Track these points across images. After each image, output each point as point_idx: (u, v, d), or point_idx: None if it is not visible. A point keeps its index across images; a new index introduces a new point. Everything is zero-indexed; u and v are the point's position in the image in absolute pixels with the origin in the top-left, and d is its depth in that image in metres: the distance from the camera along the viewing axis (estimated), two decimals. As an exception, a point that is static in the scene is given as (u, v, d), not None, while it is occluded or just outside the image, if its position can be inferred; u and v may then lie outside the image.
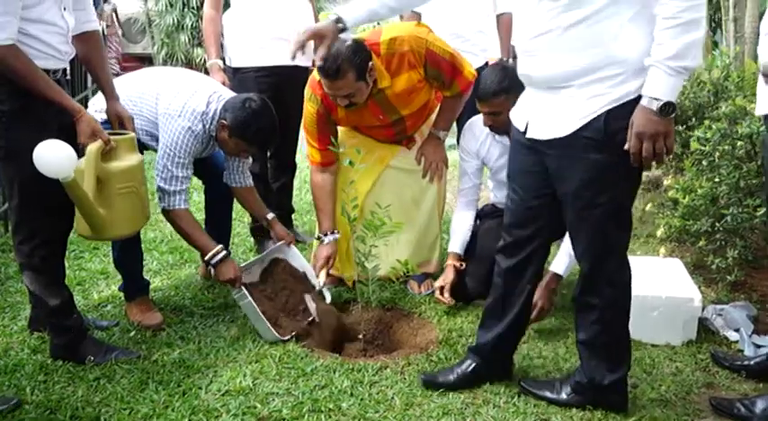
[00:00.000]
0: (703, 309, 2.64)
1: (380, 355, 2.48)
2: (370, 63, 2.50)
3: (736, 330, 2.59)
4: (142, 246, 3.45)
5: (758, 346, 2.50)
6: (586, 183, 1.86)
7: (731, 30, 4.01)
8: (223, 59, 3.27)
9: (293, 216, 3.73)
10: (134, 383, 2.22)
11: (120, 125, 2.35)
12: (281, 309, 2.66)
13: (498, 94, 2.49)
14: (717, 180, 2.72)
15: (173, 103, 2.51)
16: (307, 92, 2.76)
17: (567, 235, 2.53)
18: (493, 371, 2.25)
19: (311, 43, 3.21)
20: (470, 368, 2.23)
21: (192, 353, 2.41)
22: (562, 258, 2.61)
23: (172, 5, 9.27)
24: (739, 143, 2.70)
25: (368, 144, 2.88)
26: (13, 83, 2.01)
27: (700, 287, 2.84)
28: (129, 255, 2.67)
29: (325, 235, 2.79)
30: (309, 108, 2.74)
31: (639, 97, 1.72)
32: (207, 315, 2.73)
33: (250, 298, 2.49)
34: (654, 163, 1.78)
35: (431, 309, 2.81)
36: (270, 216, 2.87)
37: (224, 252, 2.56)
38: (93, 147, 2.09)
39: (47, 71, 2.09)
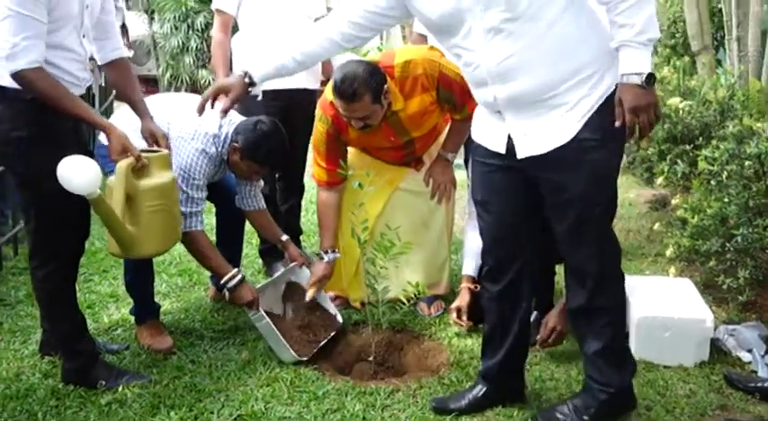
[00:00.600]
0: (715, 330, 2.63)
1: (392, 378, 2.48)
2: (386, 86, 2.53)
3: (749, 351, 2.57)
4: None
5: (772, 367, 2.49)
6: (591, 184, 1.90)
7: (734, 49, 4.03)
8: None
9: (301, 237, 3.73)
10: (146, 408, 2.21)
11: (155, 143, 2.36)
12: (297, 329, 2.66)
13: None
14: (726, 200, 2.72)
15: (185, 127, 2.54)
16: (317, 112, 2.78)
17: None
18: (504, 395, 2.24)
19: (319, 65, 3.27)
20: (481, 393, 2.23)
21: (203, 377, 2.41)
22: None
23: (177, 28, 9.32)
24: (747, 163, 2.70)
25: (377, 166, 2.89)
26: (32, 109, 2.04)
27: (711, 307, 2.82)
28: (140, 278, 2.68)
29: (326, 253, 2.80)
30: (319, 128, 2.76)
31: (613, 91, 1.83)
32: (217, 338, 2.72)
33: (267, 319, 2.50)
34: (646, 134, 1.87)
35: (441, 330, 2.81)
36: (284, 238, 2.88)
37: (240, 275, 2.57)
38: (123, 164, 2.08)
39: None
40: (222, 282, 2.56)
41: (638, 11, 1.76)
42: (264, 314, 2.52)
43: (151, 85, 10.39)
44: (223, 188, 2.82)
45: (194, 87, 9.68)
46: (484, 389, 2.22)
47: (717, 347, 2.60)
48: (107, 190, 2.04)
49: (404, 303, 2.67)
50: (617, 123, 1.82)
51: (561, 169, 1.90)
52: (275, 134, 2.57)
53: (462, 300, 2.79)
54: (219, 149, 2.58)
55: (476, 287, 2.78)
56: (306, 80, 3.21)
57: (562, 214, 1.96)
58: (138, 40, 10.05)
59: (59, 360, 2.41)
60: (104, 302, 3.06)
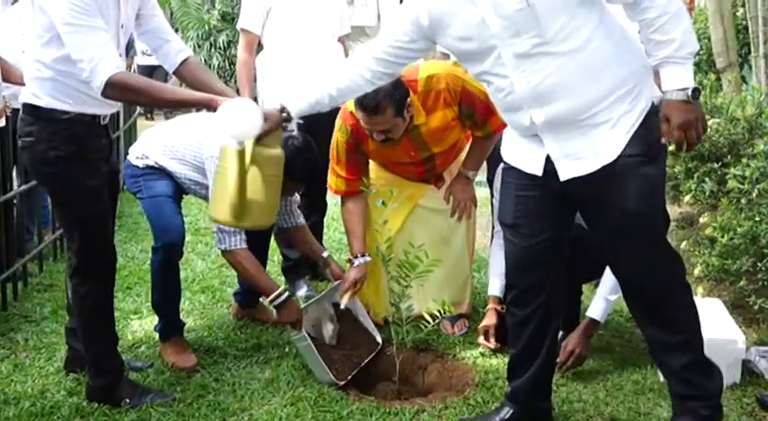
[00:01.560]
0: (747, 351, 2.58)
1: (416, 398, 2.45)
2: (408, 99, 2.53)
3: (782, 373, 2.53)
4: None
5: (805, 390, 2.43)
6: (642, 199, 1.86)
7: (762, 66, 3.98)
8: (255, 101, 3.32)
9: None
10: (170, 427, 2.21)
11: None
12: (336, 349, 2.64)
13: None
14: (757, 219, 2.67)
15: (216, 146, 2.48)
16: (337, 122, 2.78)
17: (604, 278, 2.51)
18: (532, 417, 2.21)
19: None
20: (508, 415, 2.19)
21: (226, 396, 2.40)
22: (598, 303, 2.54)
23: (200, 46, 9.49)
24: (778, 180, 2.66)
25: (397, 183, 2.89)
26: (68, 128, 2.06)
27: (741, 328, 2.77)
28: (169, 294, 2.68)
29: (356, 257, 2.79)
30: (339, 137, 2.76)
31: (653, 105, 1.83)
32: (240, 356, 2.72)
33: (309, 340, 2.47)
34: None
35: (465, 350, 2.78)
36: (325, 254, 2.87)
37: (287, 293, 2.56)
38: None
39: (98, 116, 2.13)
40: (269, 299, 2.54)
41: (675, 25, 1.75)
42: (307, 335, 2.49)
43: (173, 102, 10.54)
44: None
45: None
46: (511, 411, 2.18)
47: (748, 369, 2.55)
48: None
49: (428, 321, 2.65)
50: (663, 140, 1.82)
51: (610, 187, 1.87)
52: (308, 149, 2.56)
53: (489, 320, 2.76)
54: None
55: (502, 308, 2.74)
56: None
57: (615, 233, 1.93)
58: (162, 58, 10.22)
59: (84, 377, 2.41)
60: (128, 319, 3.07)
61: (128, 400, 2.30)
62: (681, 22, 1.75)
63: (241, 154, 1.98)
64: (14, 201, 3.37)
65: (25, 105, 2.10)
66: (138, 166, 2.65)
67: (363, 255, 2.80)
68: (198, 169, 2.60)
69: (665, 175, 1.99)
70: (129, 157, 2.71)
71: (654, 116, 1.84)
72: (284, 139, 2.49)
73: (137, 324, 3.03)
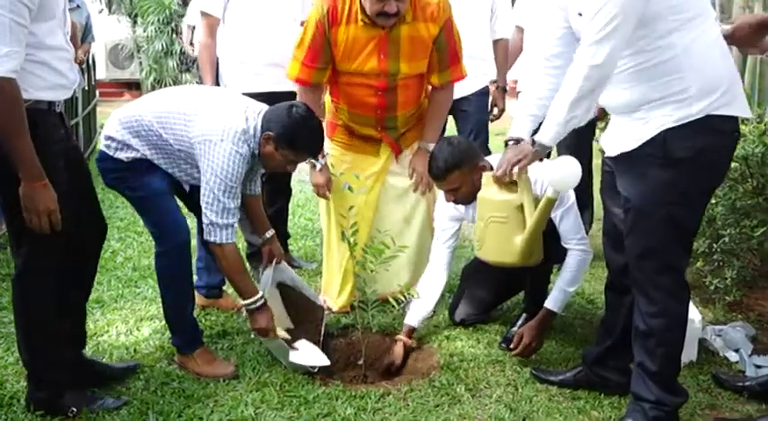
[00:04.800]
0: (703, 330, 2.65)
1: (382, 381, 2.46)
2: None
3: (736, 351, 2.60)
4: (137, 274, 3.46)
5: (758, 367, 2.50)
6: (650, 200, 1.92)
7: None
8: (218, 84, 3.28)
9: (289, 241, 3.71)
10: (134, 415, 2.18)
11: None
12: (295, 331, 2.64)
13: (451, 170, 2.49)
14: (713, 201, 2.74)
15: (208, 126, 2.31)
16: (315, 1, 2.75)
17: (563, 270, 2.55)
18: (597, 382, 2.34)
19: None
20: (579, 374, 2.38)
21: (191, 383, 2.38)
22: (556, 295, 2.58)
23: (160, 32, 9.31)
24: (734, 164, 2.72)
25: (359, 162, 2.90)
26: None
27: (698, 308, 2.85)
28: (186, 302, 2.53)
29: (316, 160, 2.84)
30: (312, 16, 2.69)
31: (700, 119, 1.83)
32: (205, 343, 2.68)
33: (281, 340, 2.46)
34: None
35: (431, 333, 2.80)
36: (269, 234, 2.74)
37: (263, 300, 2.43)
38: (524, 176, 2.16)
39: (53, 103, 2.04)
40: (245, 302, 2.42)
41: (561, 104, 1.97)
42: (284, 342, 2.47)
43: (134, 88, 10.32)
44: None
45: (178, 91, 9.65)
46: (581, 371, 2.37)
47: (705, 347, 2.63)
48: (495, 207, 2.21)
49: (393, 305, 2.66)
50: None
51: (624, 175, 1.97)
52: (312, 117, 2.39)
53: (395, 356, 2.61)
54: (251, 145, 2.35)
55: (413, 342, 2.68)
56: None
57: (623, 214, 2.01)
58: (120, 43, 10.00)
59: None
60: (91, 309, 3.00)
61: (74, 410, 2.16)
62: (565, 103, 1.90)
63: (550, 202, 2.13)
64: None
65: None
66: (121, 160, 2.39)
67: (324, 157, 2.86)
68: (181, 154, 2.39)
69: (687, 188, 1.90)
70: (103, 147, 2.42)
71: (697, 130, 1.84)
72: (286, 109, 2.37)
73: (98, 313, 2.97)
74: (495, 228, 2.23)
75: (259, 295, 2.42)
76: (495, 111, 3.74)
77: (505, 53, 3.65)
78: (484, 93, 3.58)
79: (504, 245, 2.22)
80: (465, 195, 2.54)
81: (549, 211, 2.18)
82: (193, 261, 2.74)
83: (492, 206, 2.22)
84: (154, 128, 2.36)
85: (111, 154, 2.39)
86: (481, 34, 3.53)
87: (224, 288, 3.07)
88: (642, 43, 1.85)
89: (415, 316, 2.69)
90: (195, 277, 2.92)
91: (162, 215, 2.41)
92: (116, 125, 2.41)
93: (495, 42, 3.60)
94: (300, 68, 2.73)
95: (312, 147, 2.46)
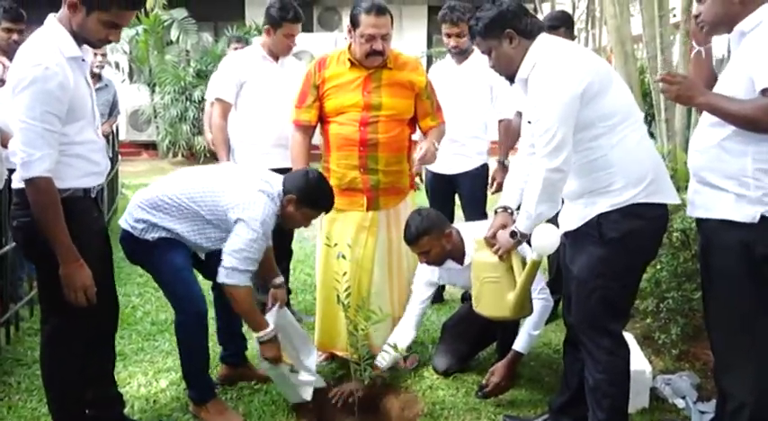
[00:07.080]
0: (654, 379, 2.74)
1: (373, 430, 2.55)
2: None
3: (683, 398, 2.68)
4: (155, 328, 3.54)
5: (702, 412, 2.58)
6: (587, 271, 2.08)
7: (663, 129, 4.24)
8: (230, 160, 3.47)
9: (290, 296, 3.82)
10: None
11: None
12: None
13: (421, 236, 2.65)
14: (658, 266, 2.89)
15: (239, 193, 2.45)
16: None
17: (529, 317, 2.68)
18: None
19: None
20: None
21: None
22: (523, 337, 2.72)
23: (176, 100, 9.57)
24: (675, 235, 2.88)
25: (348, 222, 2.88)
26: (63, 208, 2.01)
27: (649, 358, 2.95)
28: (203, 359, 2.62)
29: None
30: (306, 71, 2.97)
31: (627, 206, 2.01)
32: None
33: (282, 369, 2.57)
34: None
35: (416, 383, 2.90)
36: (279, 280, 2.81)
37: (274, 333, 2.55)
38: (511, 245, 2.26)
39: (89, 190, 2.16)
40: (258, 335, 2.52)
41: (531, 198, 2.12)
42: (287, 368, 2.60)
43: (151, 148, 10.54)
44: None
45: (191, 152, 9.88)
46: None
47: (655, 395, 2.72)
48: (486, 268, 2.30)
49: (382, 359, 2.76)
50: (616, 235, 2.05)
51: (571, 251, 2.14)
52: (325, 179, 2.65)
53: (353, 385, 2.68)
54: (276, 206, 2.52)
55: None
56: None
57: (571, 290, 2.17)
58: (141, 109, 10.24)
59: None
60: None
61: None
62: (532, 202, 2.05)
63: (535, 264, 2.22)
64: (7, 253, 3.38)
65: (18, 191, 2.07)
66: (147, 240, 2.48)
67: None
68: (212, 222, 2.49)
69: (617, 264, 2.06)
70: (128, 226, 2.51)
71: (625, 215, 2.02)
72: (303, 173, 2.59)
73: (120, 365, 3.05)
74: (490, 288, 2.33)
75: (270, 328, 2.54)
76: (495, 185, 3.72)
77: (507, 131, 3.66)
78: (483, 167, 3.68)
79: (498, 301, 2.32)
80: (435, 257, 2.70)
81: (536, 271, 2.27)
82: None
83: (486, 268, 2.32)
84: (184, 203, 2.47)
85: (137, 235, 2.49)
86: (481, 115, 3.63)
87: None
88: (577, 145, 2.03)
89: (382, 360, 2.78)
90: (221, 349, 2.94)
91: (182, 288, 2.50)
92: (143, 206, 2.50)
93: (499, 122, 3.66)
94: (293, 112, 2.97)
95: (329, 205, 2.65)
